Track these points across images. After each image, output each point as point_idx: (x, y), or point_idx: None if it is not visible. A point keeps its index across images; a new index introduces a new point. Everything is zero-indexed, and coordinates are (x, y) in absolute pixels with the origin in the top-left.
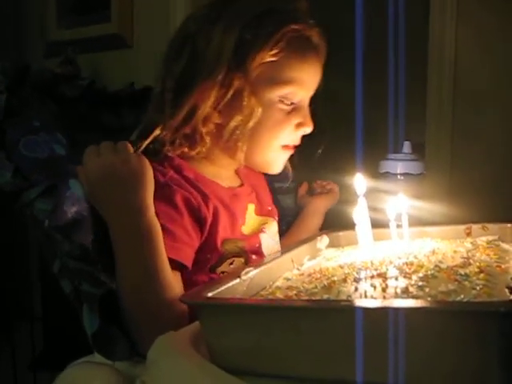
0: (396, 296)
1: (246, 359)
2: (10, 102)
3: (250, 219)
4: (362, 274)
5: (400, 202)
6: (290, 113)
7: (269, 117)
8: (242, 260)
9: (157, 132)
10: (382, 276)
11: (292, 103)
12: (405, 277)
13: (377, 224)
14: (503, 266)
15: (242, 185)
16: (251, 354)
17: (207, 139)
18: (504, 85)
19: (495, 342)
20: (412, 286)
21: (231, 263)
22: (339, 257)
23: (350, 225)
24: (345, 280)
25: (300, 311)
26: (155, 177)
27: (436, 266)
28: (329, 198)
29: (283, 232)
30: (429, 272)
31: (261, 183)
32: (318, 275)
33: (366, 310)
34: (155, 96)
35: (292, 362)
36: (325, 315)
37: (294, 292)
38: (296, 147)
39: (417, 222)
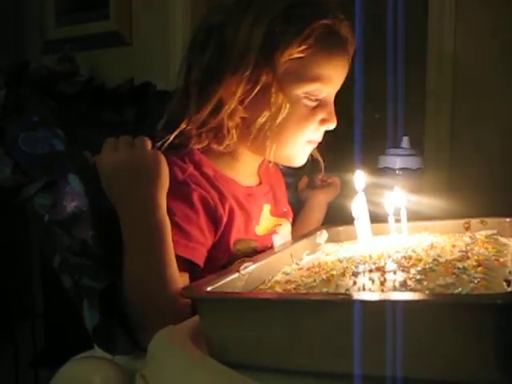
0: (394, 289)
1: (245, 353)
2: (9, 99)
3: (265, 220)
4: (361, 268)
5: (398, 196)
6: (314, 108)
7: (294, 113)
8: None
9: (182, 126)
10: (381, 270)
11: (317, 99)
12: (403, 270)
13: (376, 219)
14: (501, 260)
15: (259, 184)
16: (250, 348)
17: (234, 134)
18: (502, 80)
19: (492, 334)
20: (410, 279)
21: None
22: (338, 251)
23: (349, 220)
24: (343, 274)
25: (298, 305)
26: (174, 173)
27: (434, 259)
28: (330, 190)
29: None
30: (427, 266)
31: (279, 183)
32: (317, 269)
33: (364, 303)
34: (179, 88)
35: (291, 355)
36: (323, 309)
37: (293, 286)
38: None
39: (415, 216)
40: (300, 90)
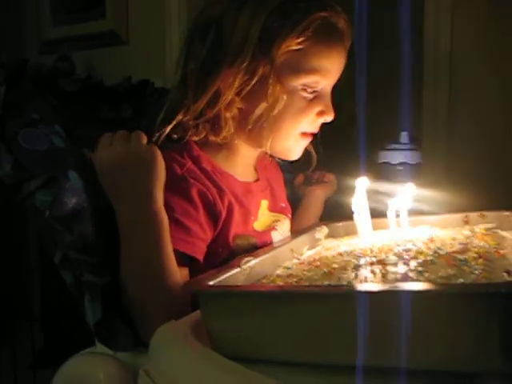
0: (396, 281)
1: (247, 346)
2: (9, 95)
3: (263, 215)
4: (362, 261)
5: (399, 191)
6: (312, 100)
7: (291, 104)
8: None
9: (179, 117)
10: (382, 262)
11: (314, 91)
12: (404, 263)
13: (375, 214)
14: (501, 252)
15: (257, 180)
16: (252, 341)
17: (231, 125)
18: (499, 71)
19: (496, 323)
20: (412, 271)
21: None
22: (339, 246)
23: (348, 217)
24: (345, 267)
25: (301, 297)
26: (172, 168)
27: (435, 252)
28: (327, 187)
29: None
30: (428, 258)
31: (277, 178)
32: (318, 263)
33: (368, 293)
34: (177, 80)
35: (293, 347)
36: (326, 300)
37: (295, 280)
38: (314, 134)
39: (415, 211)
40: (297, 82)
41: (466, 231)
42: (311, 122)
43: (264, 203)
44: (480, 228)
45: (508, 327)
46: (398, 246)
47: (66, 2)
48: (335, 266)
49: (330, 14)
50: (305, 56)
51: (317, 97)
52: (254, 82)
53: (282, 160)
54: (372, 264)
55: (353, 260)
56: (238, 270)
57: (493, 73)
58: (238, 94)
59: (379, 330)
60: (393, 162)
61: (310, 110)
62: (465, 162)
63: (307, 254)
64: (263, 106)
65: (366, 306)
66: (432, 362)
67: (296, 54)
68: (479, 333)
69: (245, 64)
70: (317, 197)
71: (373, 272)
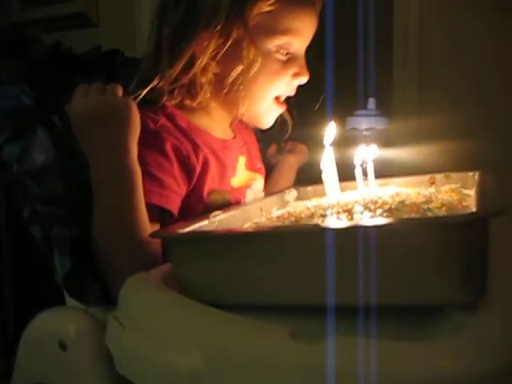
0: None
1: (216, 290)
2: None
3: (241, 172)
4: (329, 211)
5: (365, 152)
6: (286, 63)
7: (266, 67)
8: None
9: (154, 82)
10: (348, 211)
11: (288, 53)
12: (370, 211)
13: (343, 177)
14: (464, 204)
15: (234, 137)
16: (223, 285)
17: (207, 90)
18: (470, 41)
19: (456, 254)
20: (377, 216)
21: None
22: (307, 205)
23: (318, 181)
24: (311, 216)
25: (266, 237)
26: (146, 124)
27: (400, 202)
28: (299, 155)
29: None
30: (393, 206)
31: (252, 140)
32: (286, 215)
33: (334, 230)
34: (151, 46)
35: (261, 289)
36: (291, 239)
37: None
38: (287, 104)
39: (381, 172)
40: (271, 44)
41: (431, 189)
42: (287, 83)
43: (242, 159)
44: (445, 188)
45: (467, 257)
46: (365, 200)
47: None
48: (302, 215)
49: None
50: (277, 17)
51: (291, 59)
52: (228, 45)
53: (257, 130)
54: (338, 213)
55: (320, 211)
56: (206, 222)
57: (464, 36)
58: (213, 58)
59: (346, 267)
60: (360, 128)
61: (285, 71)
62: (434, 123)
63: (276, 213)
64: (238, 69)
65: (333, 243)
66: (398, 297)
67: (268, 15)
68: (440, 264)
69: (219, 27)
70: (289, 166)
71: (339, 219)
